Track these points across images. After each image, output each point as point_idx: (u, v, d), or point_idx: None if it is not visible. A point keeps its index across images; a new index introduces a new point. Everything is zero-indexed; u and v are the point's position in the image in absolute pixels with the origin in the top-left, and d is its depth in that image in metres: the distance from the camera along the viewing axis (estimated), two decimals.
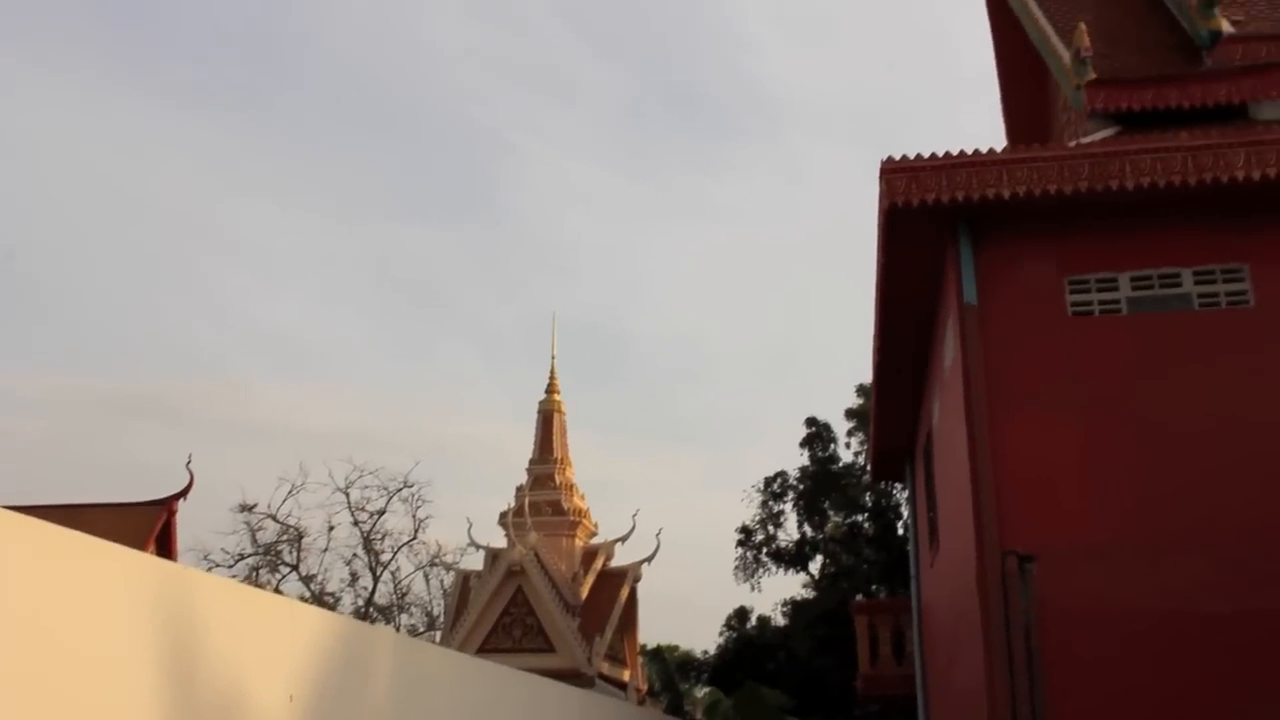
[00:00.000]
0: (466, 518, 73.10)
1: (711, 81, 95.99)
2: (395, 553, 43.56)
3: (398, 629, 35.06)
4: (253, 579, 40.43)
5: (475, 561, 33.71)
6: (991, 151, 11.88)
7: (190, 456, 36.03)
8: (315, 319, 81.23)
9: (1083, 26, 14.76)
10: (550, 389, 32.65)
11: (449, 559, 41.90)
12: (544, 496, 30.87)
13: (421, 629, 43.51)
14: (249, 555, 41.78)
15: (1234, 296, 11.97)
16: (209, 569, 37.66)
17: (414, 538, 43.42)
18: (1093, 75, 14.32)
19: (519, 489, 31.41)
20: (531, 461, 32.00)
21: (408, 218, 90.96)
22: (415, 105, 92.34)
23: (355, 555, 43.30)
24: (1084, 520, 11.29)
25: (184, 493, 32.65)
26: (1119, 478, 11.41)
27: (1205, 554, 10.97)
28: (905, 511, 33.12)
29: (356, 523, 43.16)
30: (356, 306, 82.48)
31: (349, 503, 43.08)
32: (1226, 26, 14.75)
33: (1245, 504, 11.10)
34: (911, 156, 11.92)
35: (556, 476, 31.49)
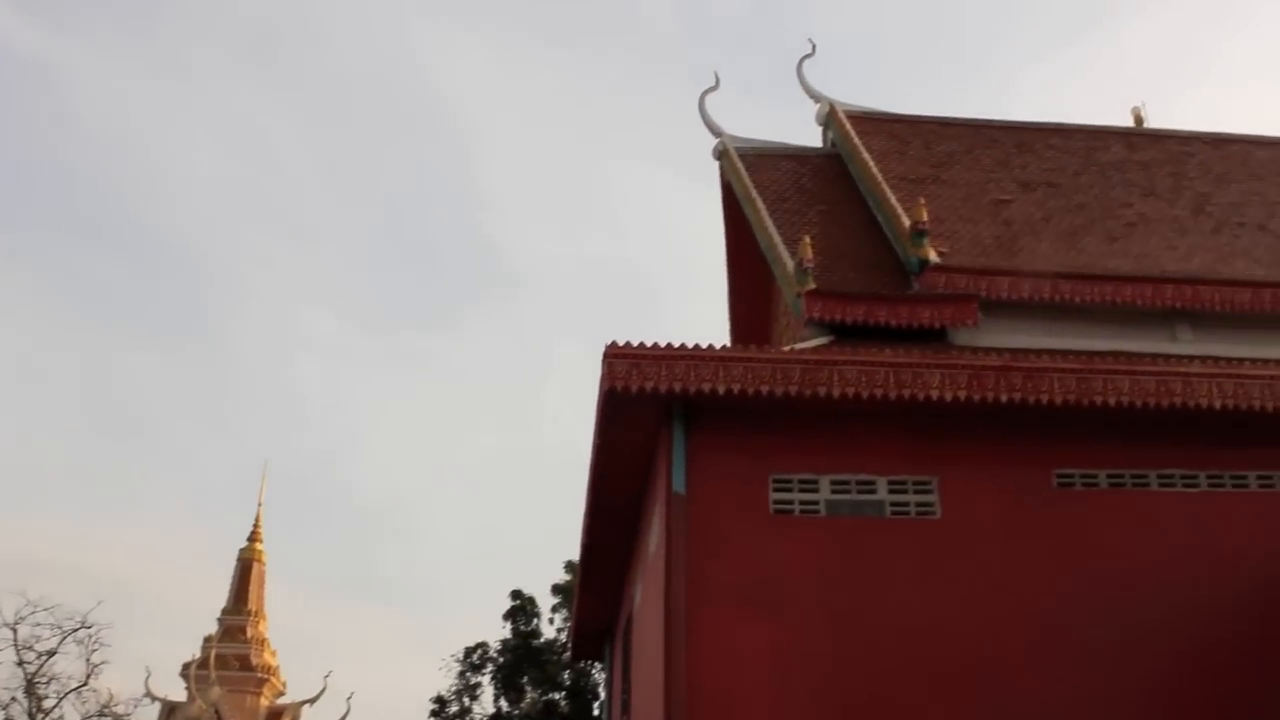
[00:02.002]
0: (146, 666, 68.60)
1: (449, 239, 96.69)
2: (61, 699, 40.35)
3: None
4: None
5: (150, 715, 31.60)
6: (711, 347, 12.32)
7: None
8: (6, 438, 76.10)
9: (807, 239, 15.70)
10: (253, 536, 31.44)
11: (120, 709, 39.09)
12: (233, 649, 29.42)
13: None
14: None
15: (923, 507, 12.66)
16: None
17: (84, 684, 40.38)
18: (812, 285, 15.17)
19: (207, 640, 29.84)
20: (224, 611, 30.54)
21: (123, 338, 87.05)
22: (139, 217, 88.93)
23: (14, 699, 39.88)
24: (774, 717, 11.51)
25: None
26: (809, 674, 11.72)
27: None
28: (603, 693, 33.00)
29: (21, 663, 39.86)
30: (54, 429, 77.72)
31: (15, 640, 39.82)
32: (933, 256, 15.93)
33: (921, 698, 11.61)
34: (635, 343, 12.24)
35: (249, 629, 30.11)
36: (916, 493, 12.70)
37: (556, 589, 38.98)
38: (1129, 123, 23.12)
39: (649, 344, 12.24)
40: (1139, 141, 21.82)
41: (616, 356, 12.15)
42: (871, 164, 18.71)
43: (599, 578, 18.08)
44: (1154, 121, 23.23)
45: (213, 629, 30.23)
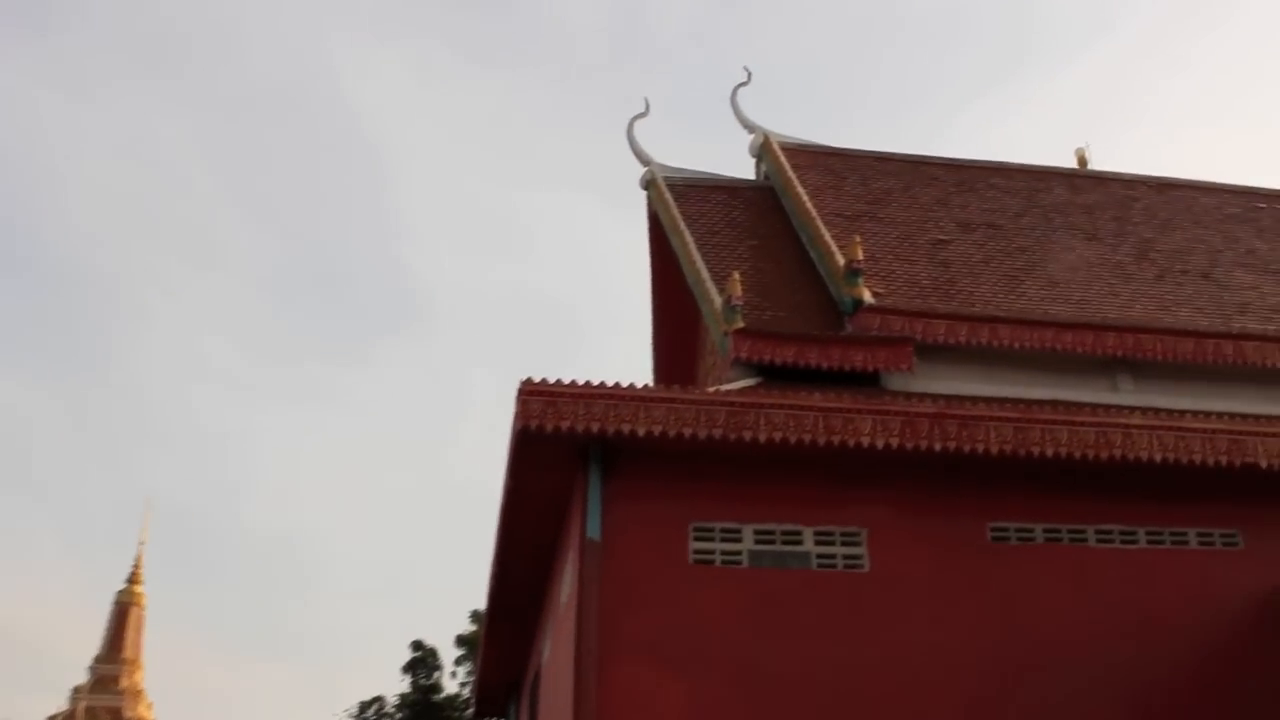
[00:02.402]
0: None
1: (361, 265, 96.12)
2: None
3: None
4: None
5: None
6: (632, 386, 12.37)
7: None
8: None
9: (737, 276, 15.84)
10: (132, 578, 30.82)
11: None
12: (104, 702, 28.76)
13: None
14: None
15: (850, 560, 12.77)
16: None
17: None
18: (741, 324, 15.29)
19: (76, 690, 29.17)
20: (96, 660, 29.88)
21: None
22: (26, 235, 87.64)
23: None
24: None
25: None
26: None
27: None
28: None
29: None
30: None
31: None
32: (868, 296, 16.14)
33: None
34: (552, 380, 12.25)
35: (123, 679, 29.48)
36: (844, 544, 12.81)
37: (461, 640, 38.63)
38: (1072, 163, 23.67)
39: (566, 381, 12.26)
40: (1082, 183, 22.36)
41: (531, 394, 12.15)
42: (806, 198, 18.94)
43: (506, 629, 17.99)
44: (1098, 163, 23.87)
45: (84, 679, 29.55)
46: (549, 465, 12.83)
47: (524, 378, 12.19)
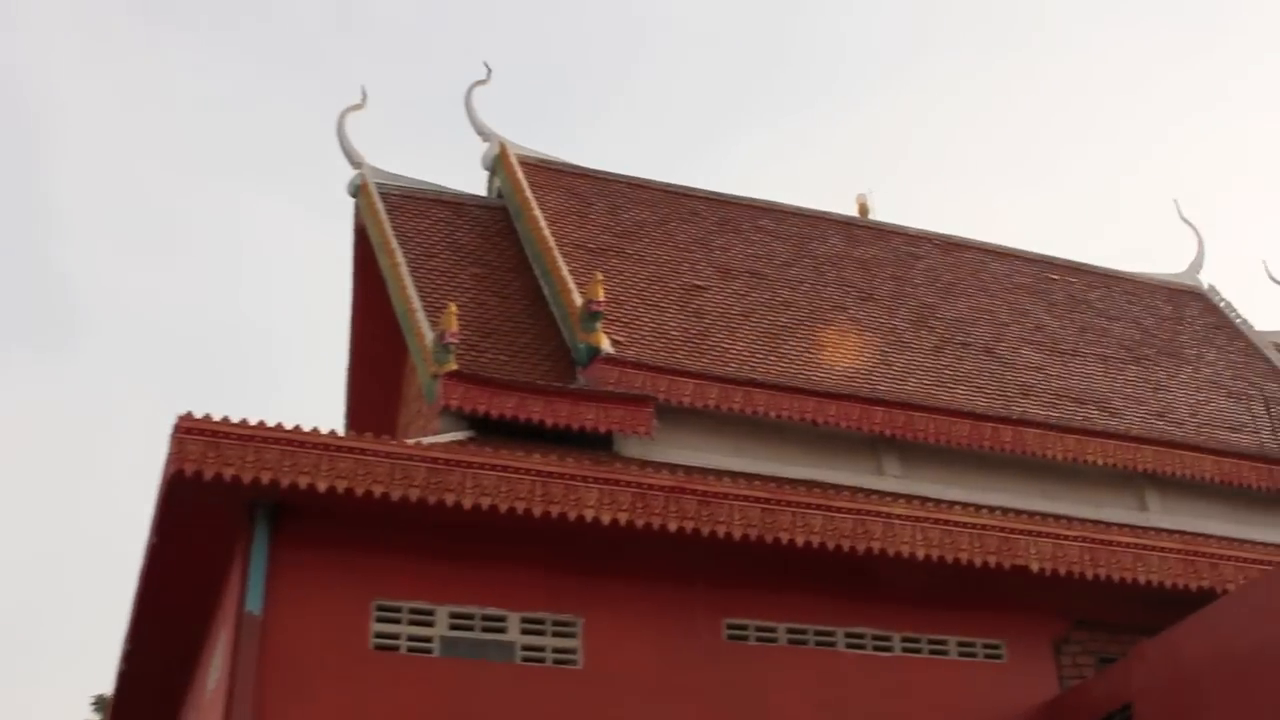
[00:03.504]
0: None
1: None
2: None
3: None
4: None
5: None
6: (316, 431, 12.12)
7: None
8: None
9: (454, 308, 15.79)
10: None
11: None
12: None
13: None
14: None
15: (562, 654, 12.76)
16: None
17: None
18: (454, 366, 15.24)
19: None
20: None
21: None
22: None
23: None
24: None
25: None
26: None
27: None
28: None
29: None
30: None
31: None
32: (606, 345, 16.30)
33: None
34: (217, 418, 11.92)
35: None
36: (556, 635, 12.81)
37: None
38: (852, 210, 24.45)
39: (235, 420, 11.95)
40: (861, 234, 23.17)
41: (189, 432, 11.78)
42: (543, 224, 19.07)
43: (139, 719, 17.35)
44: (881, 213, 24.69)
45: None
46: (205, 519, 12.42)
47: (182, 412, 11.82)
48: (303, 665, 11.90)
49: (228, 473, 11.76)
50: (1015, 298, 22.69)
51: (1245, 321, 24.47)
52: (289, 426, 12.07)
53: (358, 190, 19.77)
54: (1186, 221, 26.33)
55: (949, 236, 23.99)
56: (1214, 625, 12.74)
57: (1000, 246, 24.33)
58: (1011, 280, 23.30)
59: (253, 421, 11.99)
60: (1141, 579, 14.28)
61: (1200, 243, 26.15)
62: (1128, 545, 14.47)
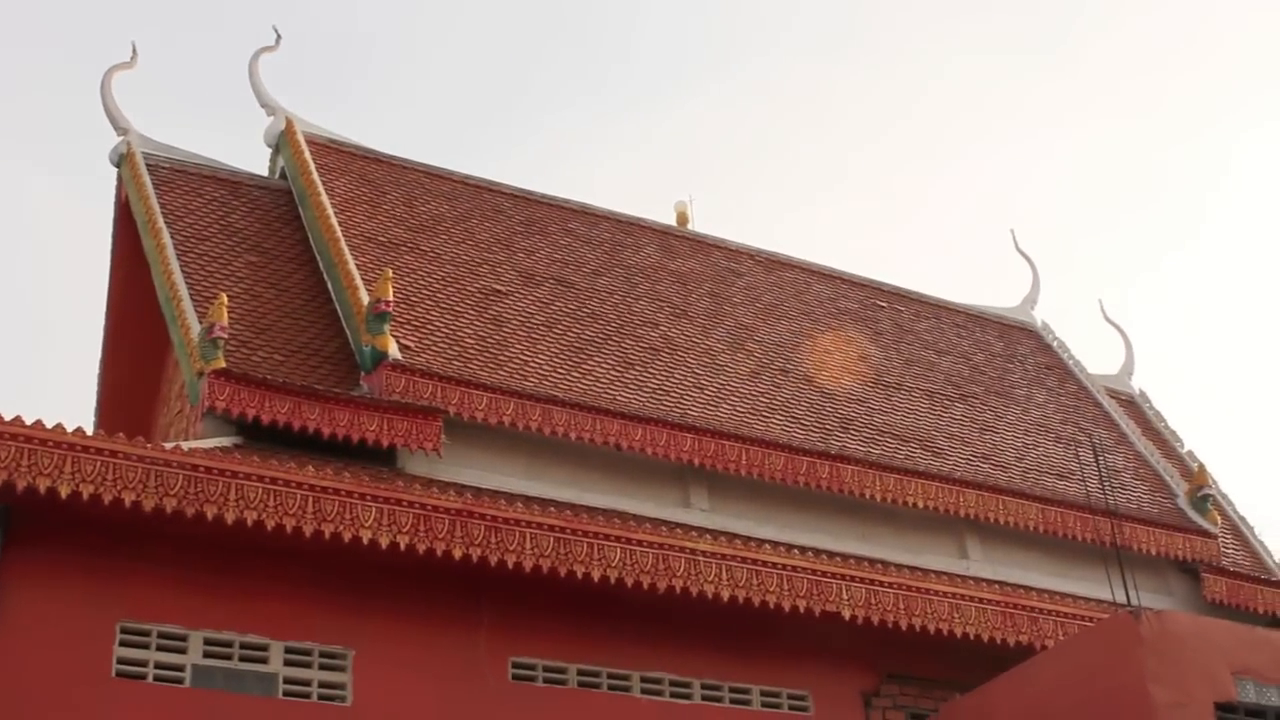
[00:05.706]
0: None
1: None
2: None
3: None
4: None
5: None
6: (60, 428, 11.80)
7: None
8: None
9: (224, 299, 15.47)
10: None
11: None
12: None
13: None
14: None
15: (330, 690, 12.64)
16: None
17: None
18: (221, 364, 14.92)
19: None
20: None
21: None
22: None
23: None
24: None
25: None
26: None
27: None
28: None
29: None
30: None
31: None
32: (394, 350, 16.10)
33: None
34: None
35: None
36: (324, 668, 12.67)
37: None
38: (671, 219, 24.53)
39: None
40: (679, 245, 23.26)
41: None
42: (330, 211, 18.78)
43: None
44: (701, 223, 24.81)
45: None
46: None
47: None
48: (34, 694, 11.60)
49: None
50: (839, 323, 22.96)
51: (1078, 363, 25.08)
52: (28, 421, 11.70)
53: (122, 159, 19.21)
54: (1022, 253, 26.90)
55: (772, 254, 24.17)
56: (1028, 683, 13.10)
57: (826, 268, 24.60)
58: (836, 305, 23.59)
59: None
60: (958, 631, 14.60)
61: (1035, 276, 26.70)
62: (945, 595, 14.78)
